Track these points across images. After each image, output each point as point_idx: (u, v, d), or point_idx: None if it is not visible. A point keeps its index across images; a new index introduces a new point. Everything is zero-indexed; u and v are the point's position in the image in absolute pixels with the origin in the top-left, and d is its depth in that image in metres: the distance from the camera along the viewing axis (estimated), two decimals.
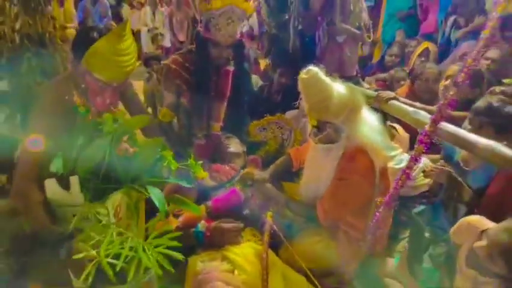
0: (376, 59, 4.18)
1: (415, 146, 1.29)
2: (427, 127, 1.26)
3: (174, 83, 1.94)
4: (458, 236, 1.29)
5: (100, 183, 1.35)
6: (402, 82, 3.21)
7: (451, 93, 1.21)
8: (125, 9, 7.26)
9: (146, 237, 1.61)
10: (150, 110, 4.65)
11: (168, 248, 1.34)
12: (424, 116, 1.48)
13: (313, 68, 1.37)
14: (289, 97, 2.41)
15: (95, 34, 1.35)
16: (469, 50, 3.41)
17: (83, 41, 1.36)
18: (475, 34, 3.72)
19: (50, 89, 1.49)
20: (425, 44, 3.33)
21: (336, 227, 1.59)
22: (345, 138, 1.42)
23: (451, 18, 3.99)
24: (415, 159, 1.28)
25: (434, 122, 1.25)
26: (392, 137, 2.08)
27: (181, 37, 5.43)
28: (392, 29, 4.57)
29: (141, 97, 4.64)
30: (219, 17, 1.78)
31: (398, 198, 2.01)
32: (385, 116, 2.01)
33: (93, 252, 1.16)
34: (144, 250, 1.23)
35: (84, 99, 1.46)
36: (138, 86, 4.50)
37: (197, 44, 1.93)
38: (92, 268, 1.14)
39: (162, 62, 4.36)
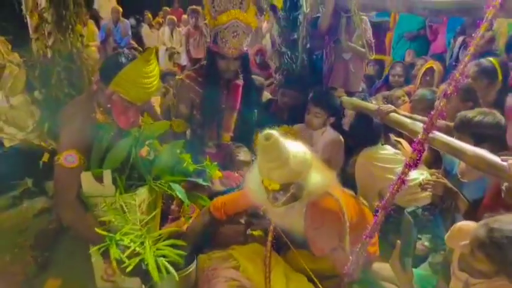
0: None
1: (410, 153, 1.39)
2: (419, 135, 1.37)
3: (187, 96, 2.11)
4: (451, 240, 1.38)
5: (126, 180, 1.50)
6: (399, 101, 3.33)
7: (441, 104, 1.32)
8: (144, 29, 7.60)
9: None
10: None
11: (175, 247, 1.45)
12: (419, 126, 1.59)
13: (271, 133, 1.30)
14: (294, 114, 2.56)
15: (123, 59, 1.47)
16: None
17: (112, 65, 1.47)
18: (483, 54, 3.83)
19: (78, 106, 1.59)
20: (430, 64, 3.44)
21: None
22: (307, 193, 1.42)
23: (460, 39, 4.09)
24: (409, 166, 1.39)
25: (426, 131, 1.36)
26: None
27: (199, 54, 5.70)
28: (402, 49, 4.69)
29: (158, 111, 4.88)
30: (225, 31, 1.94)
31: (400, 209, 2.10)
32: (388, 129, 2.12)
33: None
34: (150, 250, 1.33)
35: (107, 117, 1.56)
36: (155, 101, 4.75)
37: (207, 57, 2.10)
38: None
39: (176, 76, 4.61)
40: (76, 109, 1.56)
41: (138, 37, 7.69)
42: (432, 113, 1.36)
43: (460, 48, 4.23)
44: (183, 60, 6.54)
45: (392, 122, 1.94)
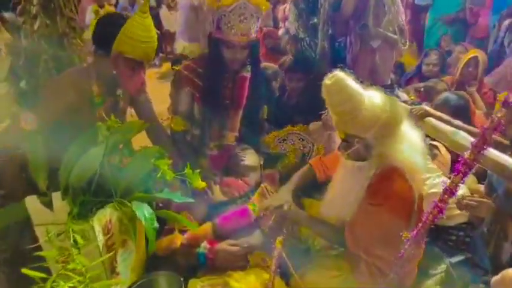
0: (409, 66, 3.86)
1: (451, 175, 1.08)
2: (466, 154, 1.05)
3: (186, 90, 1.84)
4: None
5: (90, 197, 1.27)
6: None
7: (499, 115, 0.99)
8: (163, 10, 7.35)
9: (147, 255, 1.51)
10: None
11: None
12: (464, 138, 1.26)
13: (338, 73, 1.21)
14: (306, 103, 2.24)
15: (120, 20, 1.46)
16: None
17: (109, 28, 1.46)
18: None
19: (70, 78, 1.56)
20: (473, 52, 3.01)
21: (358, 258, 1.40)
22: (377, 156, 1.25)
23: (506, 22, 3.62)
24: (450, 192, 1.08)
25: (476, 149, 1.04)
26: (433, 157, 1.85)
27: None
28: (436, 34, 4.22)
29: (168, 100, 4.67)
30: (230, 14, 1.65)
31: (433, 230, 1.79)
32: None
33: None
34: None
35: (103, 90, 1.55)
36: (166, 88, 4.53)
37: (209, 46, 1.81)
38: None
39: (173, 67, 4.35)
40: (68, 83, 1.53)
41: (157, 19, 7.44)
42: (486, 126, 1.03)
43: (505, 32, 3.75)
44: None
45: (428, 128, 1.61)
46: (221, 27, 1.69)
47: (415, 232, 1.13)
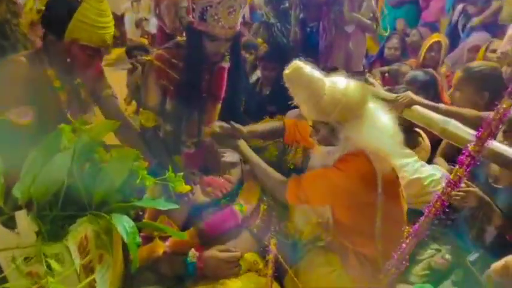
0: (373, 50, 3.92)
1: (455, 167, 1.06)
2: (470, 146, 1.02)
3: (158, 82, 1.68)
4: (501, 276, 1.07)
5: (58, 212, 1.11)
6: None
7: (504, 106, 0.97)
8: None
9: (126, 268, 1.38)
10: (134, 103, 4.36)
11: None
12: (457, 128, 1.24)
13: (296, 62, 1.25)
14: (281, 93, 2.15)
15: (75, 3, 1.37)
16: (480, 42, 3.22)
17: (61, 12, 1.37)
18: (486, 26, 3.53)
19: (17, 65, 1.42)
20: (436, 36, 3.08)
21: (346, 249, 1.41)
22: (343, 139, 1.27)
23: (459, 7, 3.77)
24: (453, 185, 1.06)
25: (481, 140, 1.02)
26: (417, 144, 1.85)
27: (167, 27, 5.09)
28: (390, 17, 4.32)
29: (124, 90, 4.36)
30: (218, 5, 1.50)
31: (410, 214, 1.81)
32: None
33: None
34: None
35: (59, 76, 1.48)
36: (121, 77, 4.20)
37: (189, 37, 1.65)
38: None
39: (147, 54, 4.06)
40: (17, 67, 1.41)
41: None
42: (491, 117, 1.01)
43: (459, 16, 3.93)
44: (153, 27, 5.90)
45: (415, 116, 1.59)
46: (206, 19, 1.53)
47: (416, 226, 1.11)
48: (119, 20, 7.35)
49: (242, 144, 1.50)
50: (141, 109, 1.73)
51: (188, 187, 1.27)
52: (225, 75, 1.75)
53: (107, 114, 1.65)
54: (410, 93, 1.69)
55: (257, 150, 1.91)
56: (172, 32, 5.61)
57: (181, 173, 1.26)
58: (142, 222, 1.21)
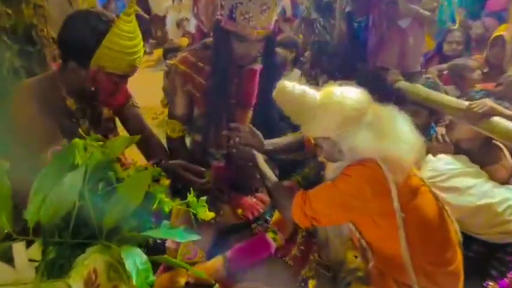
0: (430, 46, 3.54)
1: None
2: None
3: (183, 88, 1.56)
4: None
5: (69, 239, 1.02)
6: (475, 75, 2.64)
7: None
8: None
9: None
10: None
11: None
12: None
13: (280, 82, 1.26)
14: None
15: (100, 25, 1.23)
16: None
17: (86, 36, 1.22)
18: None
19: (33, 92, 1.31)
20: (502, 29, 2.68)
21: (385, 280, 1.29)
22: (348, 152, 1.21)
23: None
24: None
25: None
26: (496, 160, 1.61)
27: (205, 26, 5.01)
28: (449, 7, 3.90)
29: (160, 94, 4.35)
30: (249, 3, 1.34)
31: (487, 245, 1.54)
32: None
33: None
34: None
35: (81, 103, 1.37)
36: (161, 79, 4.19)
37: (216, 37, 1.51)
38: None
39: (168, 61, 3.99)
40: (33, 94, 1.29)
41: (145, 4, 7.04)
42: None
43: None
44: (193, 27, 5.90)
45: (495, 130, 1.31)
46: (235, 18, 1.38)
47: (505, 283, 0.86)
48: (161, 20, 7.48)
49: (259, 156, 1.41)
50: (166, 118, 1.60)
51: (212, 214, 1.12)
52: (257, 79, 1.59)
53: (130, 127, 1.57)
54: (488, 101, 1.41)
55: (295, 165, 1.74)
56: (210, 31, 5.57)
57: (205, 197, 1.12)
58: (160, 257, 1.07)
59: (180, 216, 1.40)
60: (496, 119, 1.36)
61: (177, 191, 1.41)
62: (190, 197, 1.16)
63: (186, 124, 1.63)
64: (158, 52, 7.35)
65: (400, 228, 1.17)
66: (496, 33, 2.72)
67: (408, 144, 1.19)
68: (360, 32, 2.16)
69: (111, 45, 1.23)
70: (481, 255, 1.55)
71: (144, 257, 1.03)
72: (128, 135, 1.60)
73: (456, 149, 1.79)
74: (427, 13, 1.86)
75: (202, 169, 1.39)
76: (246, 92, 1.61)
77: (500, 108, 1.42)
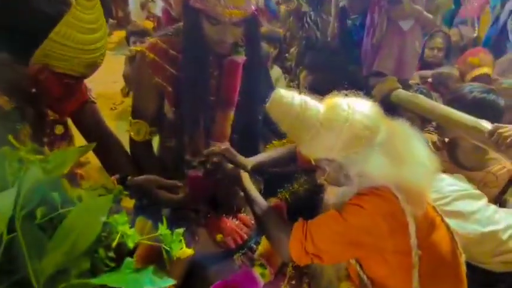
0: None
1: None
2: None
3: (152, 81, 1.32)
4: None
5: None
6: (457, 85, 2.59)
7: None
8: None
9: None
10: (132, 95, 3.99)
11: None
12: None
13: (276, 91, 1.06)
14: None
15: (49, 9, 0.94)
16: None
17: (30, 21, 0.94)
18: None
19: None
20: (483, 70, 2.61)
21: None
22: (356, 177, 1.05)
23: (510, 3, 3.36)
24: None
25: None
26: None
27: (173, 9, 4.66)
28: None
29: (121, 81, 3.98)
30: None
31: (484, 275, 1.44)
32: None
33: None
34: None
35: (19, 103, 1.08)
36: (122, 64, 3.82)
37: (186, 19, 1.29)
38: None
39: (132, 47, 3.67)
40: None
41: None
42: None
43: (509, 16, 3.49)
44: (159, 8, 5.55)
45: None
46: None
47: None
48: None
49: (245, 177, 1.22)
50: (130, 118, 1.33)
51: (190, 251, 0.89)
52: (240, 73, 1.37)
53: (81, 125, 1.30)
54: None
55: (282, 180, 1.53)
56: (179, 16, 5.24)
57: (181, 229, 0.89)
58: None
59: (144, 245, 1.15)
60: None
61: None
62: (163, 229, 0.93)
63: (155, 125, 1.37)
64: (119, 34, 6.87)
65: (415, 268, 1.03)
66: (478, 72, 2.62)
67: (425, 167, 1.04)
68: (354, 30, 1.99)
69: (63, 39, 0.95)
70: (484, 286, 1.46)
71: None
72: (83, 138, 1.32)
73: (450, 151, 1.71)
74: (430, 16, 1.73)
75: (179, 184, 1.15)
76: (228, 87, 1.39)
77: None
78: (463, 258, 1.19)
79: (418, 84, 2.02)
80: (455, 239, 1.16)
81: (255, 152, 1.52)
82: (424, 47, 3.23)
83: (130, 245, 0.91)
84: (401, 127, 1.09)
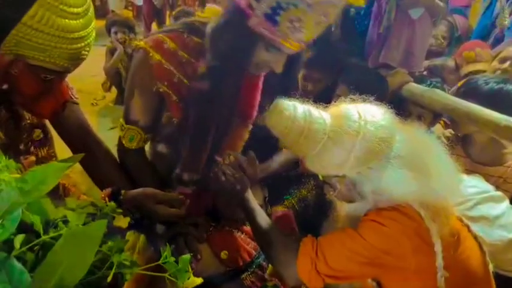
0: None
1: None
2: None
3: (153, 87, 1.14)
4: None
5: None
6: (451, 76, 2.68)
7: None
8: None
9: None
10: (114, 90, 3.85)
11: None
12: None
13: (276, 104, 0.98)
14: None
15: None
16: None
17: None
18: None
19: None
20: (473, 67, 2.55)
21: None
22: (371, 194, 0.97)
23: None
24: None
25: None
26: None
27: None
28: None
29: (101, 75, 3.82)
30: (308, 8, 0.96)
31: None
32: None
33: None
34: None
35: None
36: (102, 56, 3.65)
37: (234, 36, 1.05)
38: None
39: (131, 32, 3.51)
40: None
41: None
42: None
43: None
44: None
45: None
46: (278, 22, 0.98)
47: None
48: None
49: (250, 195, 1.11)
50: (121, 121, 1.19)
51: (199, 280, 0.80)
52: (259, 87, 1.23)
53: (61, 127, 1.17)
54: None
55: (287, 186, 1.43)
56: (161, 5, 5.08)
57: (188, 255, 0.80)
58: None
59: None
60: None
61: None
62: (166, 256, 0.82)
63: (150, 132, 1.24)
64: (97, 23, 6.59)
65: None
66: (473, 68, 2.57)
67: (449, 178, 0.97)
68: (358, 20, 1.89)
69: (39, 24, 0.83)
70: None
71: None
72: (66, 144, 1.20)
73: (465, 146, 1.65)
74: (442, 4, 1.65)
75: (181, 197, 1.04)
76: (247, 100, 1.24)
77: None
78: (491, 268, 1.14)
79: (432, 79, 1.97)
80: (483, 249, 1.10)
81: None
82: None
83: (128, 277, 0.81)
84: (420, 134, 1.02)
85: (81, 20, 0.90)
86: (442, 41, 3.01)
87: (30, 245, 0.71)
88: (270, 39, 1.02)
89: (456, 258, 0.99)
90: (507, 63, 2.11)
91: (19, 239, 0.70)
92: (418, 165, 0.94)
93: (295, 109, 0.97)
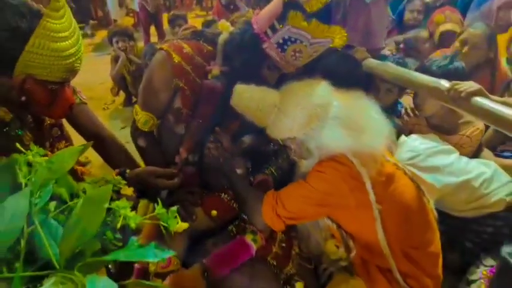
0: None
1: None
2: None
3: (172, 82, 1.36)
4: None
5: (19, 271, 0.88)
6: (426, 45, 2.81)
7: None
8: None
9: None
10: (122, 94, 4.10)
11: None
12: None
13: (236, 87, 1.22)
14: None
15: (22, 22, 1.02)
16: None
17: (4, 38, 1.01)
18: None
19: None
20: (447, 27, 2.67)
21: (368, 268, 1.31)
22: (316, 150, 1.21)
23: None
24: None
25: None
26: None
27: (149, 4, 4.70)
28: None
29: (108, 81, 4.08)
30: (309, 45, 1.23)
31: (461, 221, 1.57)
32: None
33: None
34: None
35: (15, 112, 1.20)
36: (109, 64, 3.91)
37: (247, 54, 1.30)
38: None
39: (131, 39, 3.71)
40: None
41: None
42: None
43: None
44: (136, 5, 5.57)
45: (479, 112, 1.32)
46: (285, 51, 1.24)
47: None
48: None
49: (232, 167, 1.41)
50: (137, 107, 1.44)
51: (185, 225, 1.03)
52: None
53: (75, 124, 1.43)
54: (473, 83, 1.41)
55: (267, 156, 1.66)
56: (155, 11, 5.25)
57: (175, 207, 1.04)
58: (133, 281, 0.99)
59: (147, 225, 1.30)
60: (480, 100, 1.36)
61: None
62: (159, 209, 1.07)
63: (161, 117, 1.46)
64: (101, 34, 6.88)
65: (377, 220, 1.18)
66: (442, 29, 2.69)
67: (378, 133, 1.18)
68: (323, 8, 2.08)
69: (38, 49, 1.03)
70: (456, 229, 1.60)
71: (114, 285, 0.93)
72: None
73: (427, 117, 1.83)
74: None
75: (175, 171, 1.29)
76: None
77: (482, 89, 1.43)
78: (431, 205, 1.32)
79: (395, 55, 2.13)
80: (420, 188, 1.30)
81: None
82: (404, 10, 3.33)
83: (133, 225, 1.05)
84: (353, 99, 1.22)
85: (69, 41, 1.08)
86: (417, 15, 3.12)
87: (60, 209, 0.97)
88: (276, 61, 1.28)
89: (390, 193, 1.20)
90: (466, 48, 2.19)
91: (52, 205, 0.96)
92: (351, 124, 1.14)
93: (252, 90, 1.20)
